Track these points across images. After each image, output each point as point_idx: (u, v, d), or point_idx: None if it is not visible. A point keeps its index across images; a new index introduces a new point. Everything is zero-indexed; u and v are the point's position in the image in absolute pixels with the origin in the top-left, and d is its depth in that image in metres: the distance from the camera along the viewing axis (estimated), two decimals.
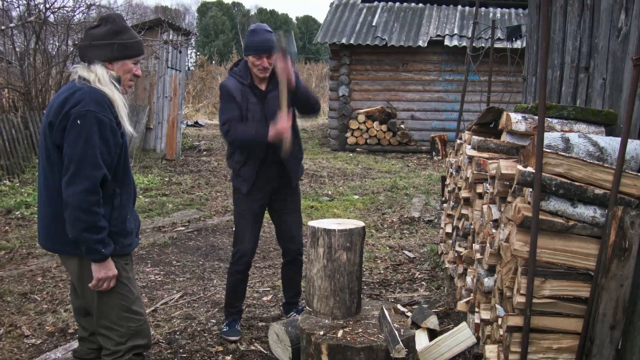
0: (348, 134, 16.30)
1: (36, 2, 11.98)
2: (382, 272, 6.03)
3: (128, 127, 2.94)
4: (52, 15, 12.14)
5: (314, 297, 3.78)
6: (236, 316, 4.60)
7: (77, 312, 3.27)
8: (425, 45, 16.24)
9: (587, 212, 2.95)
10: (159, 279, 5.85)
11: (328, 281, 3.73)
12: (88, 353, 3.30)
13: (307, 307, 3.87)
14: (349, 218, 8.16)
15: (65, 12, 12.60)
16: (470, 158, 4.29)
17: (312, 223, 3.83)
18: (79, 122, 2.74)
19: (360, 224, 3.84)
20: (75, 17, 12.78)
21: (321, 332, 3.53)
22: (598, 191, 2.93)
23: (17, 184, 10.02)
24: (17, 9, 12.66)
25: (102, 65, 2.90)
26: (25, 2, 11.98)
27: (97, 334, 3.11)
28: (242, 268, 4.49)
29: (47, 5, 11.69)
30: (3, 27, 11.71)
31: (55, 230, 2.95)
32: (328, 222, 3.87)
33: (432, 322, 4.32)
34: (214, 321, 4.82)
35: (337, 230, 3.68)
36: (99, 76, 2.87)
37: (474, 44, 12.32)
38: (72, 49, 12.65)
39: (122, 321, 3.03)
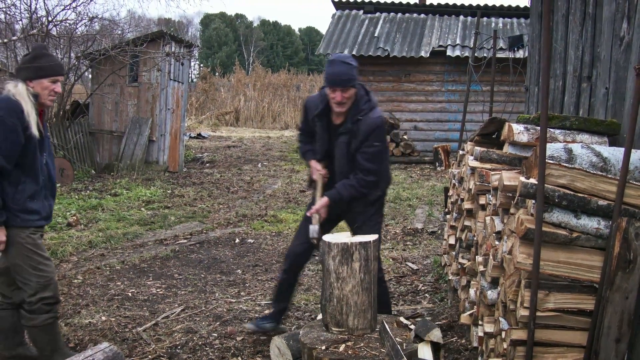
0: None
1: (39, 15, 12.04)
2: None
3: (34, 131, 3.69)
4: (54, 28, 12.21)
5: (349, 315, 3.67)
6: (274, 314, 4.66)
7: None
8: (428, 55, 16.26)
9: (590, 223, 2.91)
10: (161, 292, 5.81)
11: (365, 294, 3.66)
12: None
13: (333, 329, 3.76)
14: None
15: (67, 24, 12.65)
16: (473, 169, 4.26)
17: (327, 239, 3.77)
18: None
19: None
20: (77, 30, 12.84)
21: (323, 347, 3.49)
22: (602, 202, 2.89)
23: None
24: (20, 22, 12.70)
25: (23, 83, 3.71)
26: (28, 15, 12.03)
27: (19, 290, 3.88)
28: (286, 267, 4.58)
29: (50, 18, 11.75)
30: (6, 40, 11.75)
31: None
32: (335, 236, 3.83)
33: (436, 335, 4.26)
34: (216, 335, 4.78)
35: (372, 241, 3.65)
36: (18, 91, 3.66)
37: (476, 54, 12.33)
38: (74, 61, 12.68)
39: (32, 277, 3.80)
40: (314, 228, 4.26)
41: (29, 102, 3.67)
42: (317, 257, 6.95)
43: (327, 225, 4.52)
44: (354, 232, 4.23)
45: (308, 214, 4.36)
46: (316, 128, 4.37)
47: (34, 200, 3.81)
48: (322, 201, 4.29)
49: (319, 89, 4.46)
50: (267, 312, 4.87)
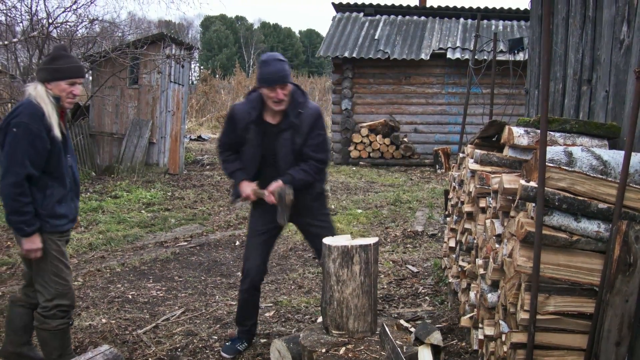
0: (351, 148, 16.29)
1: (39, 17, 12.04)
2: (385, 286, 5.99)
3: (57, 132, 3.67)
4: (55, 30, 12.18)
5: (349, 318, 3.67)
6: (243, 335, 4.53)
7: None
8: (428, 58, 16.26)
9: (591, 226, 2.92)
10: (161, 294, 5.81)
11: (366, 297, 3.67)
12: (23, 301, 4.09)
13: (333, 332, 3.76)
14: (351, 232, 8.13)
15: (68, 27, 12.64)
16: (473, 172, 4.26)
17: (327, 242, 3.77)
18: (14, 130, 3.54)
19: (348, 236, 3.89)
20: (78, 32, 12.82)
21: (323, 350, 3.49)
22: (602, 205, 2.89)
23: None
24: (21, 24, 12.71)
25: (42, 85, 3.69)
26: (28, 17, 12.03)
27: (36, 291, 3.87)
28: (247, 287, 4.41)
29: (50, 21, 11.74)
30: (7, 42, 11.75)
31: None
32: (335, 239, 3.83)
33: (436, 337, 4.26)
34: (216, 337, 4.78)
35: (372, 244, 3.65)
36: (38, 93, 3.65)
37: (476, 57, 12.34)
38: None
39: (51, 283, 3.79)
40: (287, 188, 4.13)
41: (49, 103, 3.65)
42: (317, 260, 6.95)
43: (276, 231, 4.48)
44: (315, 231, 4.32)
45: (266, 192, 4.18)
46: (248, 135, 4.24)
47: (62, 204, 3.80)
48: (276, 183, 4.17)
49: (244, 95, 4.36)
50: (235, 333, 4.63)
